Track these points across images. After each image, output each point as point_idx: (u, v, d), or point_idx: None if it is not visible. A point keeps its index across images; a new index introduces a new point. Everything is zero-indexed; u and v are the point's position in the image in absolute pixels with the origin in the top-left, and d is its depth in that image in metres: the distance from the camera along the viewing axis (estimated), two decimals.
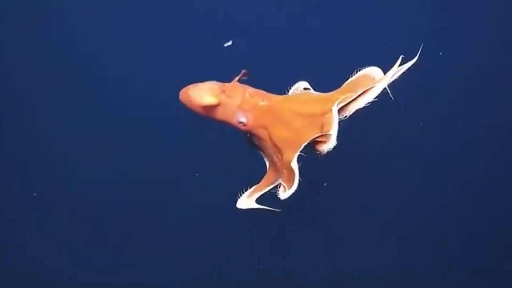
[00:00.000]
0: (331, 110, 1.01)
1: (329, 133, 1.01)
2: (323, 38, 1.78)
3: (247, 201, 1.11)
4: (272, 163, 1.16)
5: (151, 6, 1.78)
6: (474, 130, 1.78)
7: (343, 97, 1.05)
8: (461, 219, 1.80)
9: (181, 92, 1.15)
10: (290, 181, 1.05)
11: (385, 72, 1.08)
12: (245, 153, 1.22)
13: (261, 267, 1.85)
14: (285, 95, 1.19)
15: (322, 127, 1.04)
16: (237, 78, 1.16)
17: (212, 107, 1.11)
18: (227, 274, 1.86)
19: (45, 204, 1.81)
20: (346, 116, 1.07)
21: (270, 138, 1.12)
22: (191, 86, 1.15)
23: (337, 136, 1.01)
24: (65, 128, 1.80)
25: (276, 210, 1.08)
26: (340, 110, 1.04)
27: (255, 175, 1.16)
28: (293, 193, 1.04)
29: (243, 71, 1.18)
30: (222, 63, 1.66)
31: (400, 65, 1.07)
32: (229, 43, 1.61)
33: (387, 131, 1.78)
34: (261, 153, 1.20)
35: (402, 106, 1.50)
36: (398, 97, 1.69)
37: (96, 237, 1.84)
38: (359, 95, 1.04)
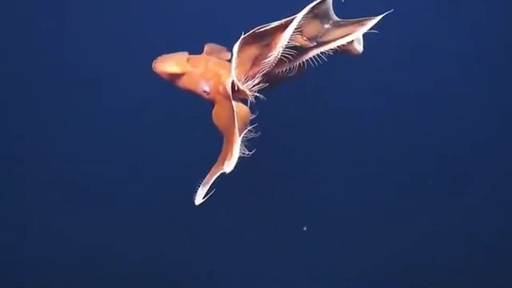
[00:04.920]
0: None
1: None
2: None
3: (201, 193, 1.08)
4: (227, 139, 1.14)
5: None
6: (479, 130, 1.77)
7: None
8: (460, 219, 1.80)
9: (153, 62, 1.22)
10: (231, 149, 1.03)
11: None
12: None
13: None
14: None
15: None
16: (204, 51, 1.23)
17: (179, 76, 1.19)
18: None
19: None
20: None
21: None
22: (160, 56, 1.24)
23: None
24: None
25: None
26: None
27: None
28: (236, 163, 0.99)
29: (208, 46, 1.23)
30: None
31: None
32: None
33: (388, 130, 1.78)
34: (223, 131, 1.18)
35: None
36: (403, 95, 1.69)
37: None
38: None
